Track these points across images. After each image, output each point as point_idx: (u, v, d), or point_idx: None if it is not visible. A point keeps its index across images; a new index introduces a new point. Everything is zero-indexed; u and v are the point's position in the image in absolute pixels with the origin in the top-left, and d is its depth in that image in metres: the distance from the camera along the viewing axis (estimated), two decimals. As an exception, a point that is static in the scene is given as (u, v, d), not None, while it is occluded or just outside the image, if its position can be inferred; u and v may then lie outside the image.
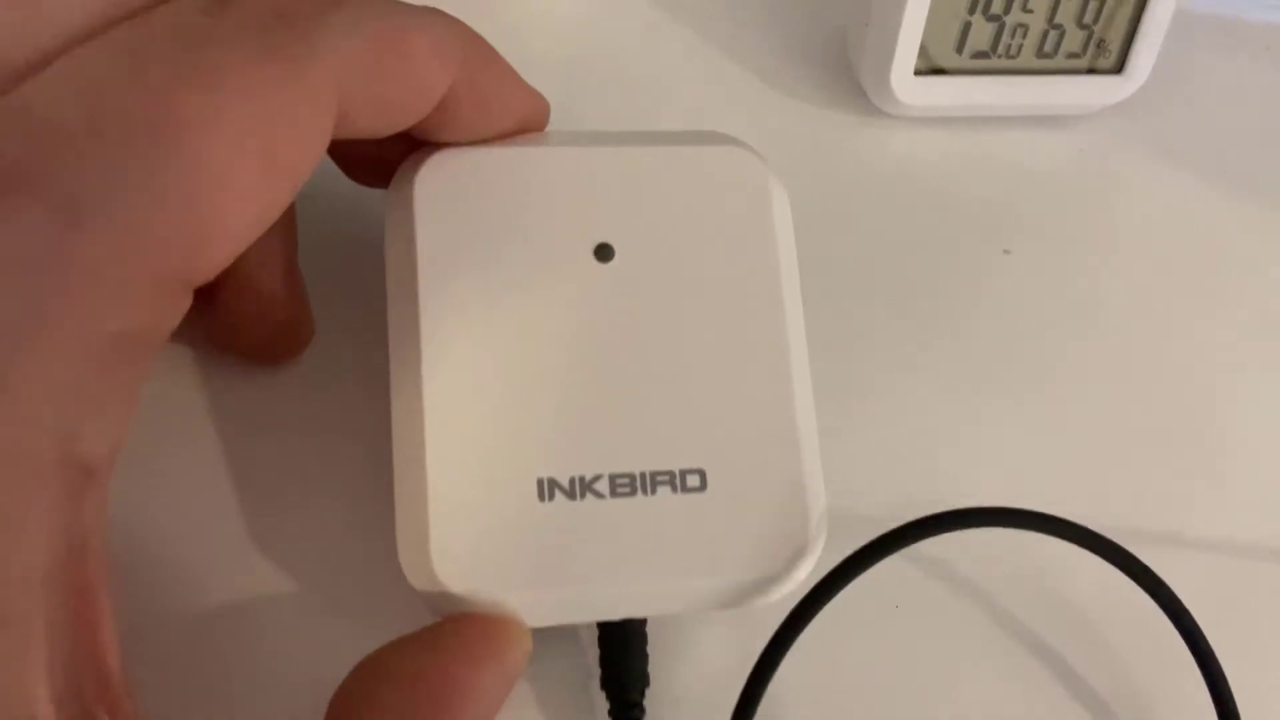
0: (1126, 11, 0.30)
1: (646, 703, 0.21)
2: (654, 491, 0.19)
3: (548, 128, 0.22)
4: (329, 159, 0.22)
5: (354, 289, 0.23)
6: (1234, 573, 0.25)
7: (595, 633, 0.21)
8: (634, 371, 0.20)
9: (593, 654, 0.21)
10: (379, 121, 0.18)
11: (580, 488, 0.19)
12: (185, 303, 0.17)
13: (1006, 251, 0.29)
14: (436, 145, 0.20)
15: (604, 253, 0.20)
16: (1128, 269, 0.29)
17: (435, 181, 0.20)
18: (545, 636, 0.20)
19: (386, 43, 0.17)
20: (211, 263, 0.16)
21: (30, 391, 0.14)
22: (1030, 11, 0.29)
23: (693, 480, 0.20)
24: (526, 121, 0.21)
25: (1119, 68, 0.31)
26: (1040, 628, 0.24)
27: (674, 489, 0.19)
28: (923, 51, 0.29)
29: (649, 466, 0.19)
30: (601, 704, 0.21)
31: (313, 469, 0.22)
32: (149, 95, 0.15)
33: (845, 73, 0.31)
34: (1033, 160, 0.31)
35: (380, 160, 0.21)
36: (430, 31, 0.18)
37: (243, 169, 0.16)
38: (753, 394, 0.20)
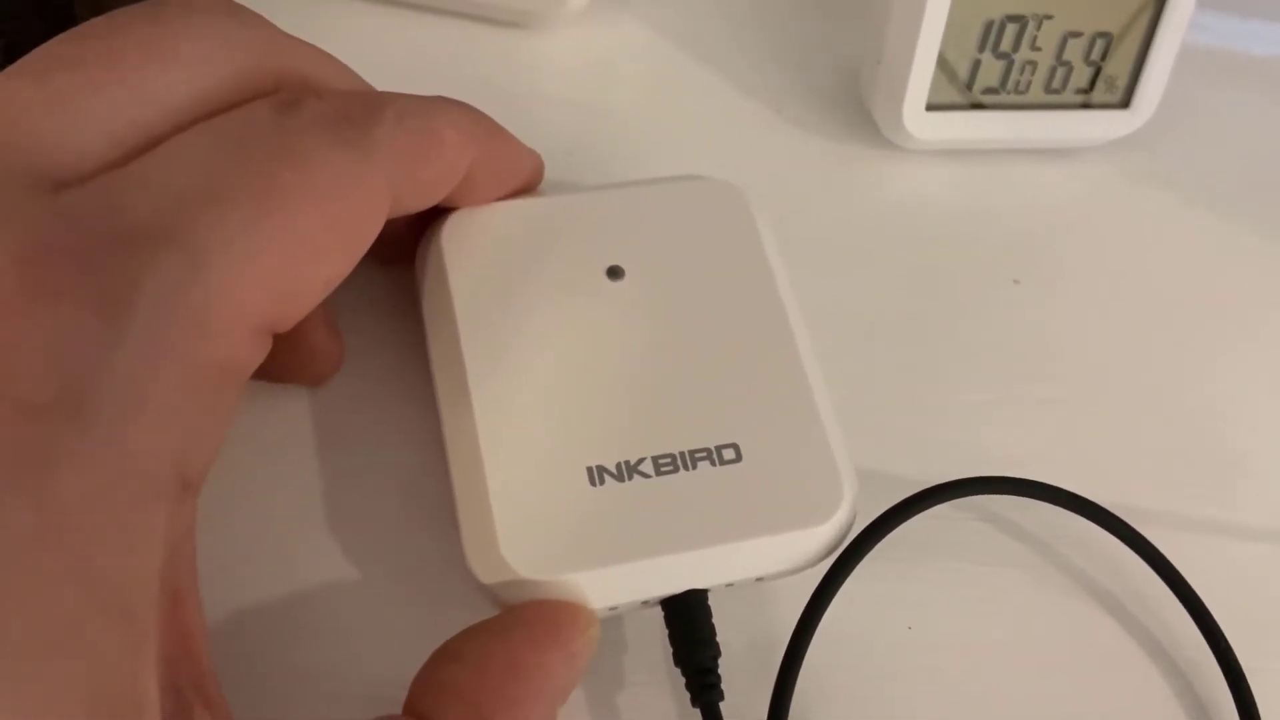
0: (1133, 48, 0.31)
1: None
2: (694, 467, 0.21)
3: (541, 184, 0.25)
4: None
5: (374, 319, 0.26)
6: (1243, 558, 0.26)
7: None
8: (658, 367, 0.22)
9: (648, 649, 0.23)
10: (420, 198, 0.21)
11: (627, 470, 0.21)
12: (268, 346, 0.19)
13: (1016, 281, 0.30)
14: (452, 208, 0.23)
15: (615, 273, 0.23)
16: (1135, 299, 0.30)
17: (458, 233, 0.23)
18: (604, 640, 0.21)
19: (425, 134, 0.20)
20: (297, 311, 0.19)
21: (160, 414, 0.16)
22: (1038, 49, 0.30)
23: (728, 453, 0.21)
24: (526, 182, 0.24)
25: (1126, 102, 0.31)
26: (1049, 593, 0.25)
27: (713, 463, 0.21)
28: (934, 88, 0.30)
29: (687, 446, 0.21)
30: (665, 693, 0.22)
31: (348, 480, 0.24)
32: (255, 170, 0.18)
33: (858, 108, 0.32)
34: (1042, 192, 0.32)
35: (402, 238, 0.24)
36: (456, 121, 0.21)
37: (325, 235, 0.18)
38: (769, 374, 0.22)
